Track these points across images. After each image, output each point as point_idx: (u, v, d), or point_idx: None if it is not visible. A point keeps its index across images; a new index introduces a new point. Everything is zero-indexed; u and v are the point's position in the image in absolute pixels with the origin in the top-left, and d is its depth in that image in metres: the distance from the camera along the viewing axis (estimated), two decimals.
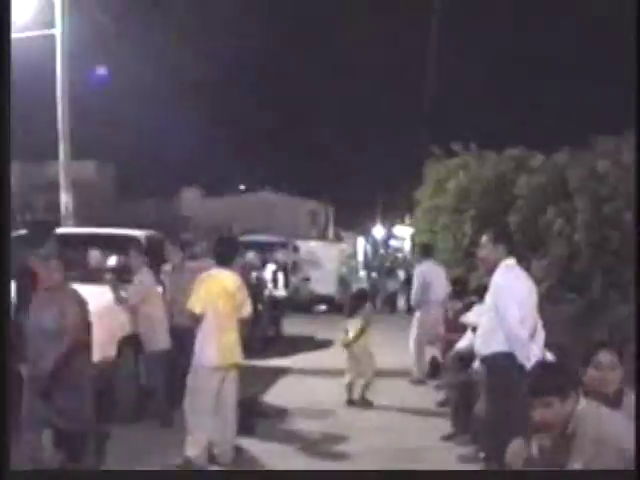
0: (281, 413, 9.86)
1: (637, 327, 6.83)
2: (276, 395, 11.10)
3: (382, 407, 10.33)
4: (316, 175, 53.21)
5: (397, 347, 12.78)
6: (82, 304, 6.94)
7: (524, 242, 10.90)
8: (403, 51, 39.04)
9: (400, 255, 49.51)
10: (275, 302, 18.14)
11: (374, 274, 36.84)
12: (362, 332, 10.67)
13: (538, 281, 8.42)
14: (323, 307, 28.64)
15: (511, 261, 6.81)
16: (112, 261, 10.71)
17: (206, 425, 7.41)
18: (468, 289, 11.01)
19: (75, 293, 6.98)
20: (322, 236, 46.44)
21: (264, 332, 16.20)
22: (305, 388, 11.81)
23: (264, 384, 11.65)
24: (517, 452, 4.85)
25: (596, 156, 10.70)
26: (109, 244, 11.18)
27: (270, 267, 20.65)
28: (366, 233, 61.19)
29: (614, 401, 4.91)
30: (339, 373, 10.94)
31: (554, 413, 4.54)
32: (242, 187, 55.27)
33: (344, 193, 53.83)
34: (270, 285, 18.87)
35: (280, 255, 24.85)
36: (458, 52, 34.69)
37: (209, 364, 7.41)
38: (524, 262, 8.38)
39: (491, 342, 6.62)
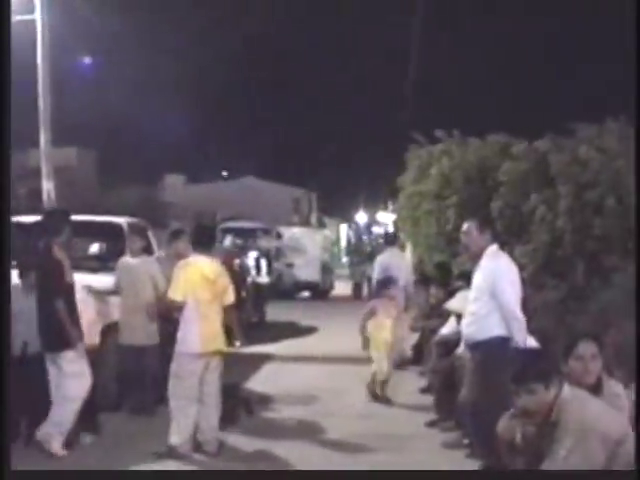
0: (264, 400, 9.85)
1: (637, 322, 6.88)
2: (259, 382, 11.09)
3: (365, 393, 10.28)
4: (299, 162, 53.20)
5: None
6: None
7: (507, 228, 10.91)
8: (386, 41, 39.06)
9: (382, 241, 49.47)
10: (258, 288, 18.12)
11: (357, 260, 36.86)
12: (371, 314, 10.37)
13: (521, 267, 8.45)
14: (306, 293, 28.65)
15: (495, 247, 6.88)
16: (94, 248, 10.64)
17: (190, 412, 7.37)
18: (451, 275, 11.03)
19: None
20: (305, 222, 46.35)
21: (248, 319, 16.18)
22: (288, 374, 11.81)
23: (247, 371, 11.64)
24: (508, 426, 4.86)
25: (578, 142, 10.72)
26: (91, 231, 11.11)
27: (253, 254, 20.63)
28: (349, 219, 61.23)
29: (595, 389, 4.95)
30: (322, 360, 10.88)
31: (538, 400, 4.55)
32: (225, 173, 55.03)
33: (327, 179, 53.83)
34: (253, 272, 18.87)
35: (263, 241, 24.89)
36: (441, 40, 34.71)
37: (191, 351, 7.38)
38: (507, 248, 8.40)
39: (487, 327, 6.64)
